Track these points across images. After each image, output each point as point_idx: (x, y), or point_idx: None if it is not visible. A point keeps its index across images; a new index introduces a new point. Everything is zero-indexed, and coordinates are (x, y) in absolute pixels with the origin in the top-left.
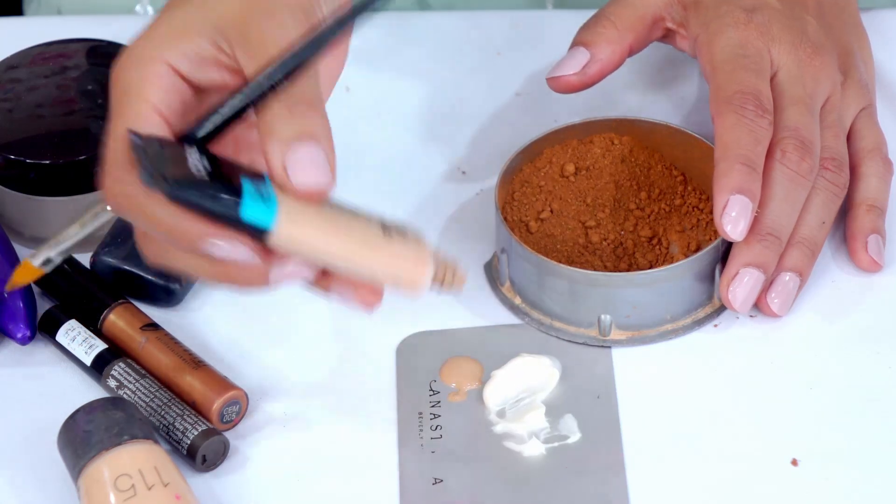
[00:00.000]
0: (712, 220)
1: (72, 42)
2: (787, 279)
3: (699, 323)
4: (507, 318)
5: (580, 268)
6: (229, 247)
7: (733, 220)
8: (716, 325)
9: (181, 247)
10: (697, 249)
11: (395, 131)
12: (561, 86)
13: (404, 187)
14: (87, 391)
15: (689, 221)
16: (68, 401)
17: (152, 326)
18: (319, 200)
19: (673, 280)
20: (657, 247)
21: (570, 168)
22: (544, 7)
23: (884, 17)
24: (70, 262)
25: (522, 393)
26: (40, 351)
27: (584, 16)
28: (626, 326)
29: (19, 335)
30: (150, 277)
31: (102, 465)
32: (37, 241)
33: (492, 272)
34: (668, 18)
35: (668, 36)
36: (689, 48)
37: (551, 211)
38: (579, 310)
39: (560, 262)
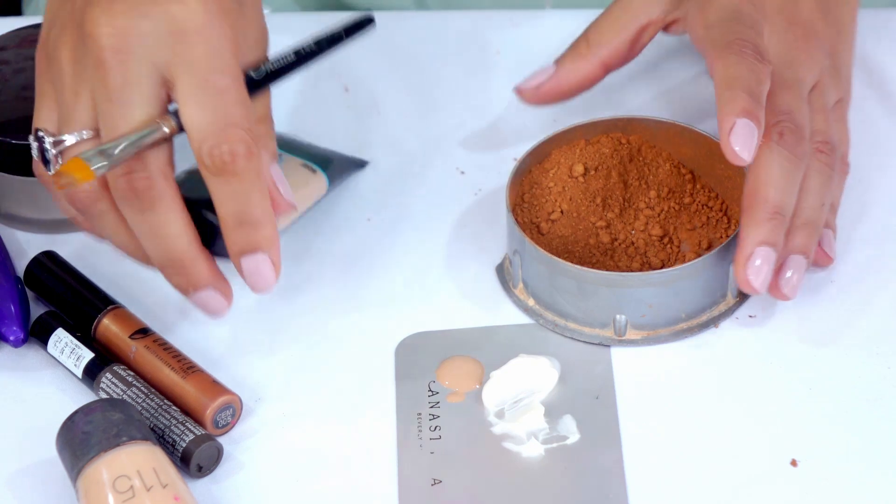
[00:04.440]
0: (722, 217)
1: None
2: (798, 261)
3: (714, 321)
4: (517, 318)
5: (593, 268)
6: (269, 268)
7: (741, 143)
8: (716, 326)
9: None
10: (709, 247)
11: (394, 131)
12: (525, 97)
13: (404, 187)
14: (85, 392)
15: (699, 219)
16: (67, 401)
17: (143, 332)
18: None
19: (688, 278)
20: (668, 245)
21: (579, 168)
22: (543, 7)
23: (884, 16)
24: (65, 266)
25: (521, 393)
26: (35, 352)
27: (583, 15)
28: (642, 326)
29: (12, 338)
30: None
31: (101, 467)
32: (17, 220)
33: (504, 274)
34: (660, 21)
35: (664, 30)
36: (681, 27)
37: (562, 212)
38: (594, 310)
39: (573, 262)
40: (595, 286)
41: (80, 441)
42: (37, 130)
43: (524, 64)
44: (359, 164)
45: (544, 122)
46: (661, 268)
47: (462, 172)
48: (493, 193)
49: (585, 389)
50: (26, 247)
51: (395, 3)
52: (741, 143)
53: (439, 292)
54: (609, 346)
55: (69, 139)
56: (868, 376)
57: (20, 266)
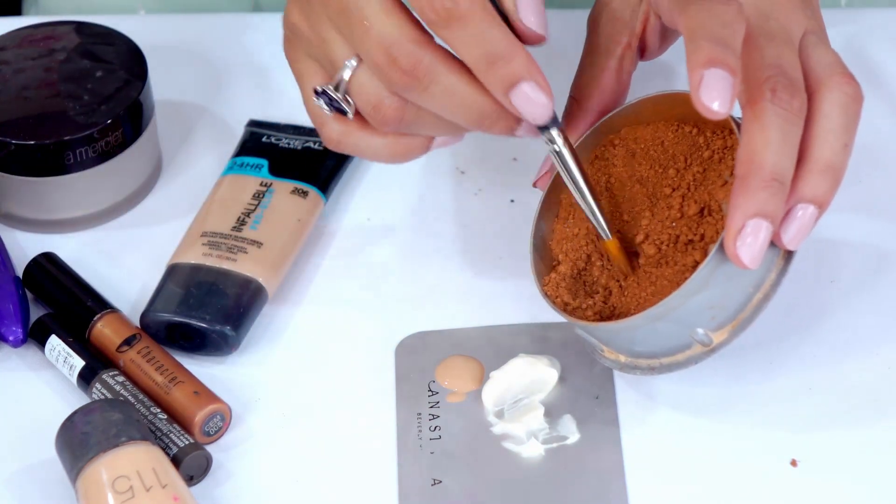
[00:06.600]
0: None
1: (60, 24)
2: (808, 211)
3: (783, 272)
4: (517, 318)
5: (659, 290)
6: (538, 93)
7: (713, 95)
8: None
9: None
10: None
11: None
12: (545, 185)
13: (404, 187)
14: (85, 392)
15: (726, 168)
16: (66, 402)
17: (130, 342)
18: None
19: (720, 263)
20: (710, 215)
21: None
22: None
23: (884, 16)
24: (62, 268)
25: (521, 393)
26: (35, 353)
27: (583, 15)
28: (721, 324)
29: (11, 338)
30: (204, 325)
31: (100, 467)
32: (17, 220)
33: (588, 343)
34: (634, 36)
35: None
36: (653, 25)
37: (600, 254)
38: (673, 340)
39: (633, 294)
40: (648, 327)
41: (80, 441)
42: (315, 91)
43: None
44: None
45: None
46: (711, 248)
47: (462, 172)
48: (494, 193)
49: (585, 389)
50: (26, 247)
51: None
52: (713, 95)
53: (439, 292)
54: (708, 359)
55: (345, 74)
56: (868, 376)
57: (20, 266)
